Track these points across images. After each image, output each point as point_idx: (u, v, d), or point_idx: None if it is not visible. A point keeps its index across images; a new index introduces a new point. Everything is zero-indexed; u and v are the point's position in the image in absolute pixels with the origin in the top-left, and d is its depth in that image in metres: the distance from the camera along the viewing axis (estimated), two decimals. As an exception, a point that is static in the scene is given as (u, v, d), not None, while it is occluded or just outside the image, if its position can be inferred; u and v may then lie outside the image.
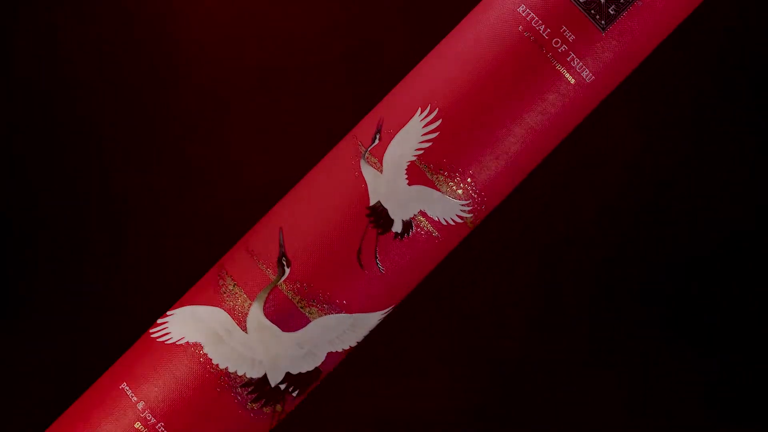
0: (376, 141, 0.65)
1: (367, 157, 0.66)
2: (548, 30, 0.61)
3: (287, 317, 0.66)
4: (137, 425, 0.67)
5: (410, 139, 0.64)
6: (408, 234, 0.65)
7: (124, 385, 0.69)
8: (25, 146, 0.94)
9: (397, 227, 0.65)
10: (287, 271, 0.67)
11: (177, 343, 0.68)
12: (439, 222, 0.64)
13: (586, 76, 0.61)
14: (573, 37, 0.60)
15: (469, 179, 0.63)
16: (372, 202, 0.65)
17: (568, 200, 0.94)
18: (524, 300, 0.94)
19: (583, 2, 0.60)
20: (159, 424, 0.67)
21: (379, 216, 0.65)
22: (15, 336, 0.94)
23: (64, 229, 0.94)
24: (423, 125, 0.64)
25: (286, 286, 0.66)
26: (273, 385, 0.66)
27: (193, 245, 0.93)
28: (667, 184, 0.93)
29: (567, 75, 0.61)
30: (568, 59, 0.61)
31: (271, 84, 0.94)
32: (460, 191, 0.63)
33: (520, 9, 0.62)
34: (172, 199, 0.94)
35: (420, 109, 0.64)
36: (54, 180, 0.94)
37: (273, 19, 0.94)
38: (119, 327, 0.91)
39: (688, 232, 0.93)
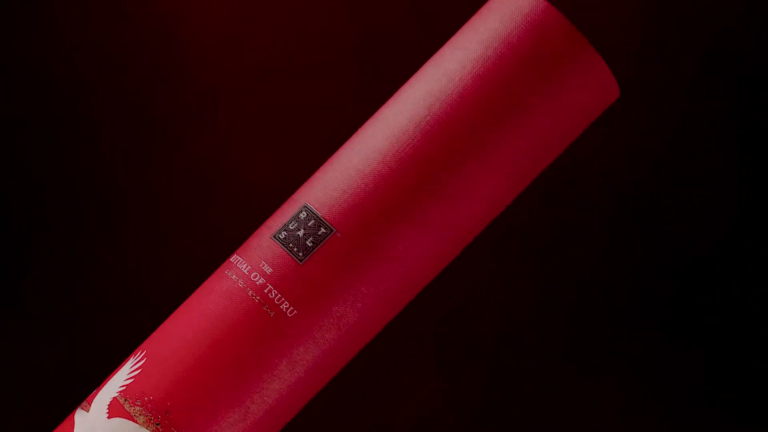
0: (94, 390, 0.68)
1: (83, 405, 0.68)
2: (248, 267, 0.63)
3: None
4: None
5: (118, 380, 0.67)
6: None
7: None
8: (26, 146, 0.94)
9: None
10: None
11: None
12: None
13: (286, 309, 0.63)
14: (270, 270, 0.63)
15: (167, 411, 0.64)
16: None
17: (567, 200, 0.94)
18: (524, 301, 0.94)
19: (283, 238, 0.63)
20: None
21: None
22: (15, 336, 0.94)
23: (64, 229, 0.94)
24: (131, 366, 0.66)
25: None
26: None
27: (193, 245, 0.93)
28: (667, 184, 0.93)
29: (265, 307, 0.63)
30: (265, 291, 0.63)
31: (271, 84, 0.94)
32: (158, 424, 0.65)
33: (233, 258, 0.65)
34: (173, 199, 0.94)
35: (134, 355, 0.66)
36: (54, 180, 0.94)
37: (273, 20, 0.94)
38: (119, 327, 0.91)
39: (687, 232, 0.93)
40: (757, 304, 0.93)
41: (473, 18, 0.65)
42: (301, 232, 0.63)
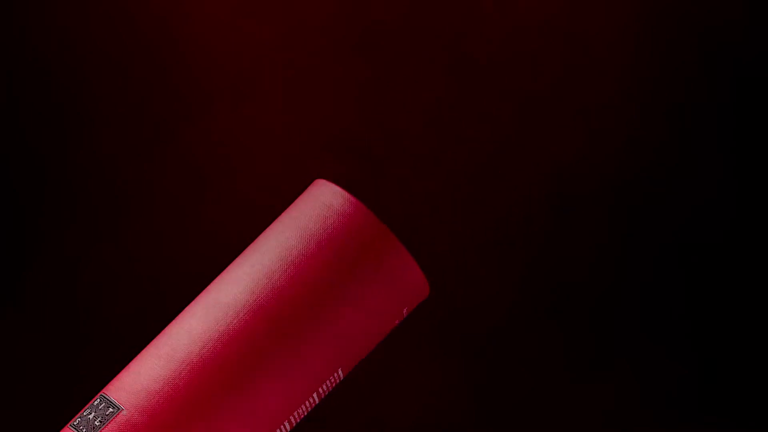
0: None
1: None
2: None
3: None
4: None
5: None
6: None
7: None
8: (27, 146, 0.95)
9: None
10: None
11: None
12: None
13: None
14: None
15: None
16: None
17: (566, 200, 0.94)
18: (523, 300, 0.94)
19: (76, 424, 0.67)
20: None
21: None
22: (15, 336, 0.94)
23: (64, 228, 0.94)
24: None
25: None
26: None
27: (194, 246, 0.94)
28: (666, 183, 0.94)
29: None
30: None
31: (271, 85, 0.94)
32: None
33: None
34: (172, 198, 0.94)
35: None
36: (54, 180, 0.94)
37: (273, 20, 0.94)
38: (119, 327, 0.91)
39: (686, 232, 0.93)
40: (756, 304, 0.93)
41: (284, 212, 0.65)
42: (92, 416, 0.67)
